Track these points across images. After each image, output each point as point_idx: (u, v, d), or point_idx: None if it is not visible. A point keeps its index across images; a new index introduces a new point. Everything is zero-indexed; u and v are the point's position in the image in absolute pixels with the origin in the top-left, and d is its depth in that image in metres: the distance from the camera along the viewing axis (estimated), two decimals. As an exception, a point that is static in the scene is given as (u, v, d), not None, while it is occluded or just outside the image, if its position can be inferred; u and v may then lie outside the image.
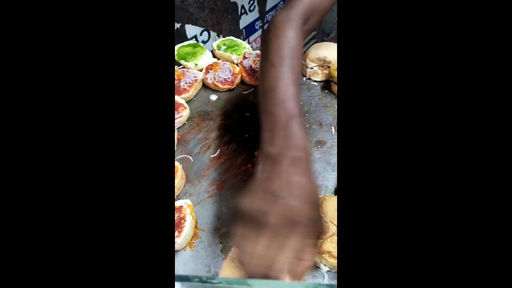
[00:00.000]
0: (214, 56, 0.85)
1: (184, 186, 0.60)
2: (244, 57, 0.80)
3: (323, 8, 0.54)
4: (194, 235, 0.52)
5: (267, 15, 1.77)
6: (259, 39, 1.78)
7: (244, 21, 1.62)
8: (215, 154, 0.65)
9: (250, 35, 1.70)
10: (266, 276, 0.29)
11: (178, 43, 1.16)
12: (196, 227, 0.54)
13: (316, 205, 0.32)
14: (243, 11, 1.58)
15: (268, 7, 1.74)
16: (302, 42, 0.48)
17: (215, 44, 0.85)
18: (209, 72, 0.77)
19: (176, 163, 0.59)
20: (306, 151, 0.35)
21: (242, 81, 0.80)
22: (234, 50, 0.83)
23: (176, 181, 0.57)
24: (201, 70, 0.80)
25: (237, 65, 0.81)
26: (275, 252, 0.30)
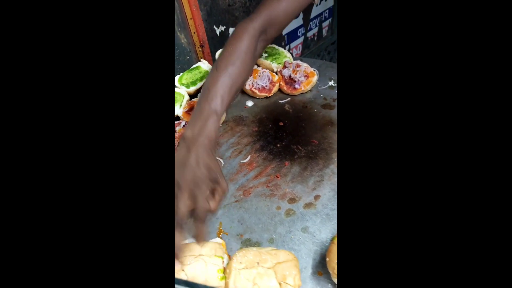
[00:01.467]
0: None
1: None
2: (284, 66, 0.80)
3: (281, 22, 0.62)
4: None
5: (310, 23, 1.75)
6: (300, 45, 1.77)
7: (287, 28, 1.62)
8: (246, 160, 0.66)
9: (292, 41, 1.70)
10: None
11: (221, 45, 1.19)
12: (220, 229, 0.55)
13: (214, 172, 0.46)
14: (287, 17, 1.59)
15: (312, 14, 1.73)
16: (253, 51, 0.58)
17: (256, 51, 0.87)
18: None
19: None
20: (212, 140, 0.49)
21: (279, 90, 0.81)
22: (275, 58, 0.84)
23: None
24: (240, 76, 0.82)
25: (276, 73, 0.82)
26: (191, 204, 0.44)
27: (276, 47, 0.89)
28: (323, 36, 1.90)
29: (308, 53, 1.82)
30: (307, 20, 1.71)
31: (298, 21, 1.66)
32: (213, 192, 0.46)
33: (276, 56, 0.85)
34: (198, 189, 0.44)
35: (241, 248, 0.51)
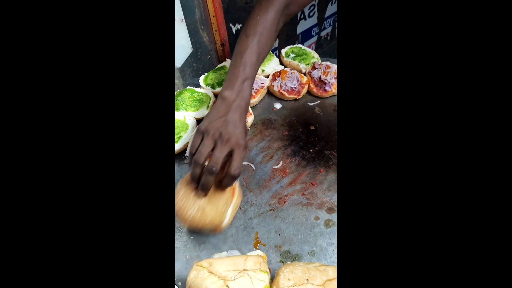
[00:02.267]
0: (281, 63, 0.84)
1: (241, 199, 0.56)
2: (314, 68, 0.77)
3: (303, 1, 0.65)
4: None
5: (325, 22, 1.72)
6: (313, 45, 1.74)
7: (301, 26, 1.59)
8: (278, 166, 0.63)
9: (306, 40, 1.67)
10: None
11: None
12: (257, 240, 0.52)
13: (241, 133, 0.50)
14: (302, 16, 1.56)
15: (327, 13, 1.69)
16: (277, 25, 0.61)
17: (283, 51, 0.84)
18: (276, 79, 0.76)
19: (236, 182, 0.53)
20: (247, 103, 0.54)
21: (308, 92, 0.78)
22: (303, 59, 0.81)
23: (234, 199, 0.52)
24: (267, 77, 0.79)
25: (304, 74, 0.79)
26: (220, 154, 0.47)
27: (303, 47, 0.86)
28: (336, 35, 1.87)
29: (321, 52, 1.79)
30: (321, 19, 1.68)
31: (313, 20, 1.63)
32: (231, 154, 0.49)
33: (304, 56, 0.82)
34: (221, 143, 0.48)
35: (286, 263, 0.48)
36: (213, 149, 0.48)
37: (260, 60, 0.59)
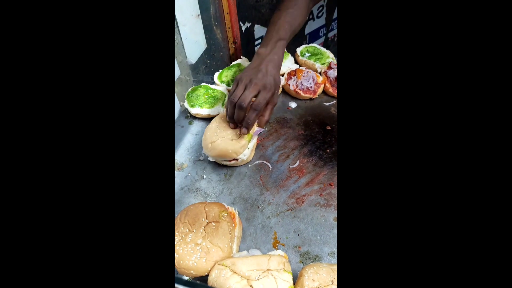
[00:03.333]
0: (296, 62, 0.83)
1: (241, 229, 0.53)
2: (330, 67, 0.77)
3: None
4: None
5: (332, 23, 1.72)
6: (321, 45, 1.74)
7: (310, 27, 1.58)
8: (295, 165, 0.63)
9: (313, 41, 1.66)
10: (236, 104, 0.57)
11: (245, 42, 1.15)
12: (276, 240, 0.52)
13: (269, 80, 0.59)
14: (311, 16, 1.55)
15: (335, 15, 1.69)
16: (308, 1, 0.73)
17: (298, 50, 0.83)
18: (291, 78, 0.75)
19: (232, 209, 0.52)
20: (280, 58, 0.64)
21: (323, 92, 0.77)
22: (318, 58, 0.80)
23: (236, 230, 0.49)
24: (282, 75, 0.79)
25: (320, 74, 0.78)
26: (248, 93, 0.57)
27: (318, 46, 0.85)
28: (344, 37, 1.86)
29: (328, 54, 1.78)
30: (329, 20, 1.68)
31: (321, 21, 1.63)
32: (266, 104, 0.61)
33: (319, 56, 0.81)
34: (264, 90, 0.58)
35: (308, 263, 0.48)
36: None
37: (292, 29, 0.68)
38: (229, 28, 0.94)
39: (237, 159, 0.60)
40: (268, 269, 0.42)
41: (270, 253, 0.47)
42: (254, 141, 0.62)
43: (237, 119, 0.58)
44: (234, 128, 0.60)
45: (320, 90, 0.75)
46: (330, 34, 1.77)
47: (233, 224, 0.48)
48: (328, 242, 0.51)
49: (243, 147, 0.59)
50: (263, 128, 0.61)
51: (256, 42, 1.30)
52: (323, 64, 0.79)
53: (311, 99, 0.76)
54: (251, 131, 0.60)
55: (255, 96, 0.58)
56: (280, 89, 0.78)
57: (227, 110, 0.60)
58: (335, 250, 0.50)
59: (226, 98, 0.65)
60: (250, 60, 0.82)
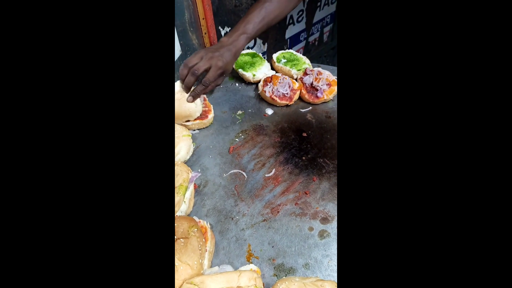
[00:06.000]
0: (272, 68, 0.82)
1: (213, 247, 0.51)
2: (305, 73, 0.76)
3: None
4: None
5: (313, 27, 1.73)
6: (301, 50, 1.75)
7: (290, 31, 1.59)
8: (271, 174, 0.62)
9: (294, 45, 1.67)
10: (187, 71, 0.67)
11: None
12: (249, 253, 0.50)
13: (222, 62, 0.67)
14: (291, 21, 1.56)
15: (315, 19, 1.71)
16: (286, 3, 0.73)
17: (274, 56, 0.83)
18: (267, 85, 0.74)
19: (204, 223, 0.51)
20: (238, 51, 0.70)
21: (300, 98, 0.77)
22: (294, 64, 0.80)
23: (208, 245, 0.48)
24: (258, 82, 0.78)
25: (296, 80, 0.78)
26: (202, 64, 0.66)
27: (294, 52, 0.85)
28: (324, 41, 1.88)
29: (308, 57, 1.80)
30: (309, 25, 1.69)
31: (301, 26, 1.64)
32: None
33: (295, 62, 0.81)
34: (215, 67, 0.66)
35: (280, 278, 0.46)
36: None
37: (264, 22, 0.71)
38: (205, 33, 0.92)
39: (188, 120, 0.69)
40: (238, 286, 0.40)
41: (241, 268, 0.45)
42: (191, 188, 0.56)
43: (187, 83, 0.66)
44: (187, 92, 0.68)
45: (296, 97, 0.75)
46: (311, 38, 1.78)
47: (203, 239, 0.47)
48: (302, 253, 0.50)
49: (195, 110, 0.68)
50: (198, 172, 0.61)
51: (247, 51, 1.29)
52: (299, 70, 0.79)
53: (287, 105, 0.75)
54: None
55: (206, 71, 0.66)
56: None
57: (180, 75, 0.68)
58: (310, 261, 0.49)
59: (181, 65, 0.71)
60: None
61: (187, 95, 0.67)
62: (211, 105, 0.73)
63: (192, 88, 0.68)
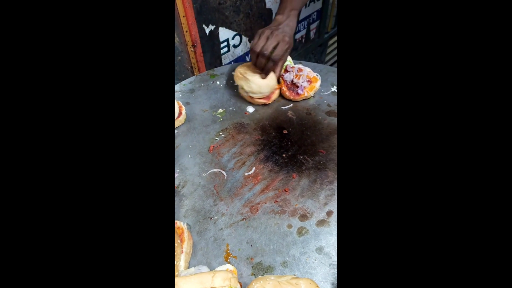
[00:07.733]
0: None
1: (192, 249, 0.50)
2: (286, 71, 0.76)
3: None
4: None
5: (299, 25, 1.73)
6: (288, 47, 1.75)
7: (276, 29, 1.59)
8: (251, 172, 0.61)
9: (281, 43, 1.67)
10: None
11: (210, 45, 1.12)
12: (227, 253, 0.50)
13: (286, 36, 0.70)
14: (277, 18, 1.55)
15: (301, 16, 1.70)
16: None
17: (255, 54, 0.82)
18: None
19: (180, 224, 0.50)
20: (294, 25, 0.75)
21: (281, 95, 0.76)
22: (275, 61, 0.79)
23: (184, 246, 0.47)
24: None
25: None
26: (270, 43, 0.69)
27: (276, 49, 0.84)
28: (311, 38, 1.88)
29: (295, 55, 1.79)
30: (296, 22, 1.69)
31: (288, 23, 1.64)
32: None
33: (276, 59, 0.80)
34: (282, 42, 0.69)
35: (257, 277, 0.46)
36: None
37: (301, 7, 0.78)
38: (186, 31, 0.91)
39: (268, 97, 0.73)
40: (212, 287, 0.40)
41: (217, 268, 0.45)
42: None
43: (259, 65, 0.70)
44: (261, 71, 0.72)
45: (275, 96, 0.74)
46: (298, 36, 1.78)
47: (179, 241, 0.46)
48: (281, 251, 0.50)
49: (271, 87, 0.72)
50: (176, 173, 0.61)
51: (222, 45, 1.27)
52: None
53: (265, 104, 0.75)
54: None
55: (274, 48, 0.68)
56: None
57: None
58: (288, 259, 0.49)
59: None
60: (203, 64, 0.80)
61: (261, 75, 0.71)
62: (183, 107, 0.72)
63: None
